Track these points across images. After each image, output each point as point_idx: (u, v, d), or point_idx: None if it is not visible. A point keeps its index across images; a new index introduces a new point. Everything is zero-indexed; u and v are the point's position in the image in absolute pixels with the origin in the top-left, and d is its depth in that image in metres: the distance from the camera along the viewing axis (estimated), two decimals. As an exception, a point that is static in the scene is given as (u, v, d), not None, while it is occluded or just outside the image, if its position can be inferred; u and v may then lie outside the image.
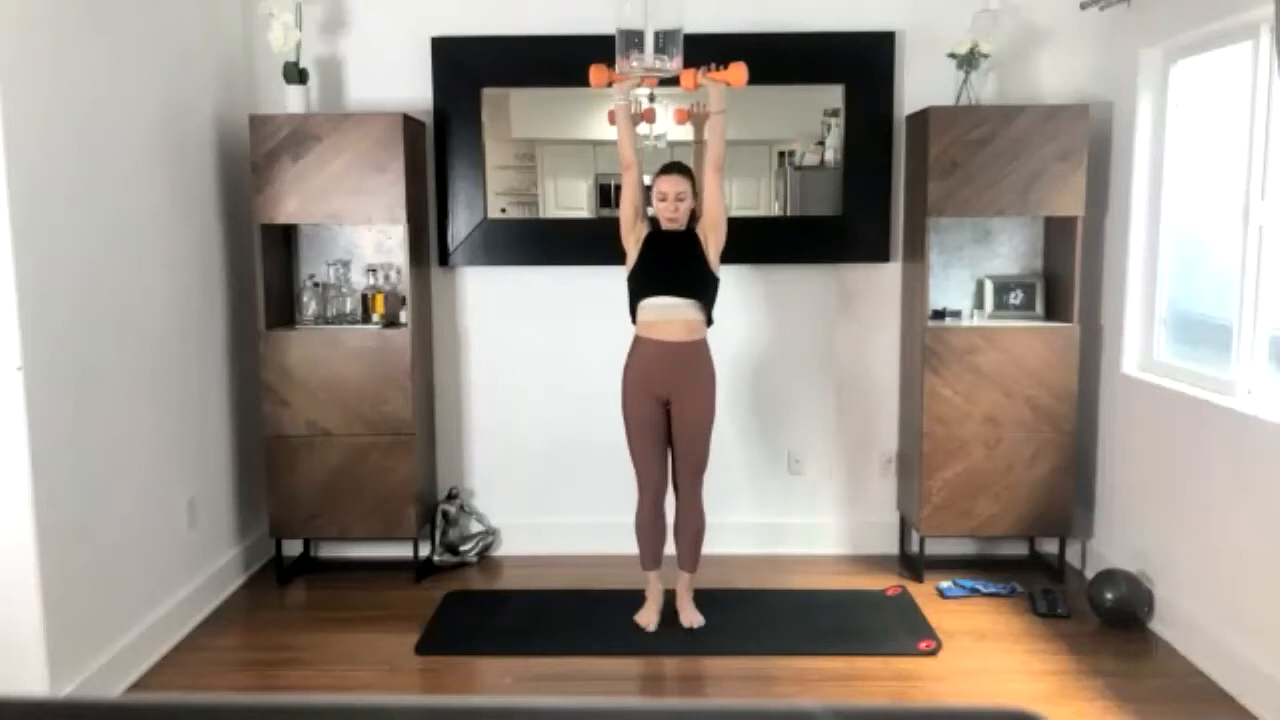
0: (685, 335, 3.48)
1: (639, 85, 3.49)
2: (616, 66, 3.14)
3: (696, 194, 3.54)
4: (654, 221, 3.58)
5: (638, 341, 3.54)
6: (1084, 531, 4.12)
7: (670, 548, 3.64)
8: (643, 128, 4.14)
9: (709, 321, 3.54)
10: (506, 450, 4.39)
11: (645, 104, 3.72)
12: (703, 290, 3.51)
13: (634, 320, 3.55)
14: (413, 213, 3.97)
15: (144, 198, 3.40)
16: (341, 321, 4.13)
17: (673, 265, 3.51)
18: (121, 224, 3.25)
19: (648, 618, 3.60)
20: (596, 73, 3.43)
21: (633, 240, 3.55)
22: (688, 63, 3.18)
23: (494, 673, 3.32)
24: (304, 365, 3.94)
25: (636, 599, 3.67)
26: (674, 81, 3.35)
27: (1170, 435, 3.51)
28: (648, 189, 3.60)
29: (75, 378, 2.97)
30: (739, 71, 3.43)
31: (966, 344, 3.93)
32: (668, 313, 3.47)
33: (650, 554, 3.63)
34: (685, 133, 4.17)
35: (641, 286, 3.52)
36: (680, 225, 3.53)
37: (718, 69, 3.45)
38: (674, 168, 3.54)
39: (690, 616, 3.60)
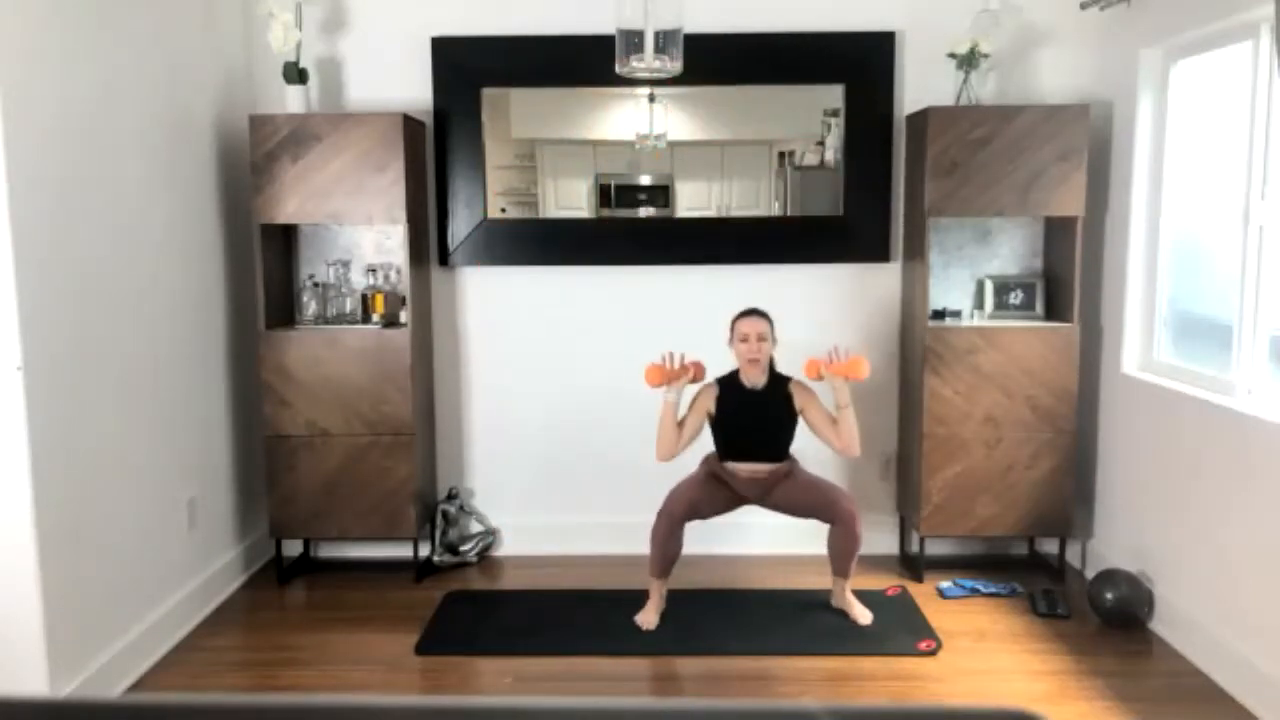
0: (769, 474, 3.55)
1: (692, 380, 3.52)
2: (616, 67, 3.12)
3: (775, 339, 3.56)
4: (721, 383, 3.57)
5: (726, 466, 3.57)
6: (1084, 531, 4.12)
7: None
8: (643, 127, 4.15)
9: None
10: (506, 450, 4.39)
11: (688, 371, 3.57)
12: (786, 448, 3.59)
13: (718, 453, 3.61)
14: (413, 213, 3.97)
15: (144, 197, 3.39)
16: (341, 321, 4.13)
17: (760, 430, 3.55)
18: (121, 224, 3.25)
19: (647, 618, 3.60)
20: (653, 373, 3.47)
21: (707, 414, 3.56)
22: (686, 62, 3.17)
23: (494, 673, 3.32)
24: (304, 365, 3.94)
25: (636, 599, 3.67)
26: (672, 81, 3.34)
27: (1170, 435, 3.51)
28: (634, 189, 3.59)
29: (75, 378, 2.97)
30: (859, 367, 3.44)
31: (966, 344, 3.93)
32: (754, 465, 3.55)
33: (659, 564, 3.61)
34: (686, 133, 4.18)
35: (728, 447, 3.57)
36: (762, 372, 3.53)
37: (839, 361, 3.45)
38: (754, 311, 3.56)
39: (858, 613, 3.63)
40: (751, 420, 3.55)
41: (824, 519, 3.60)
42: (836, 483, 4.37)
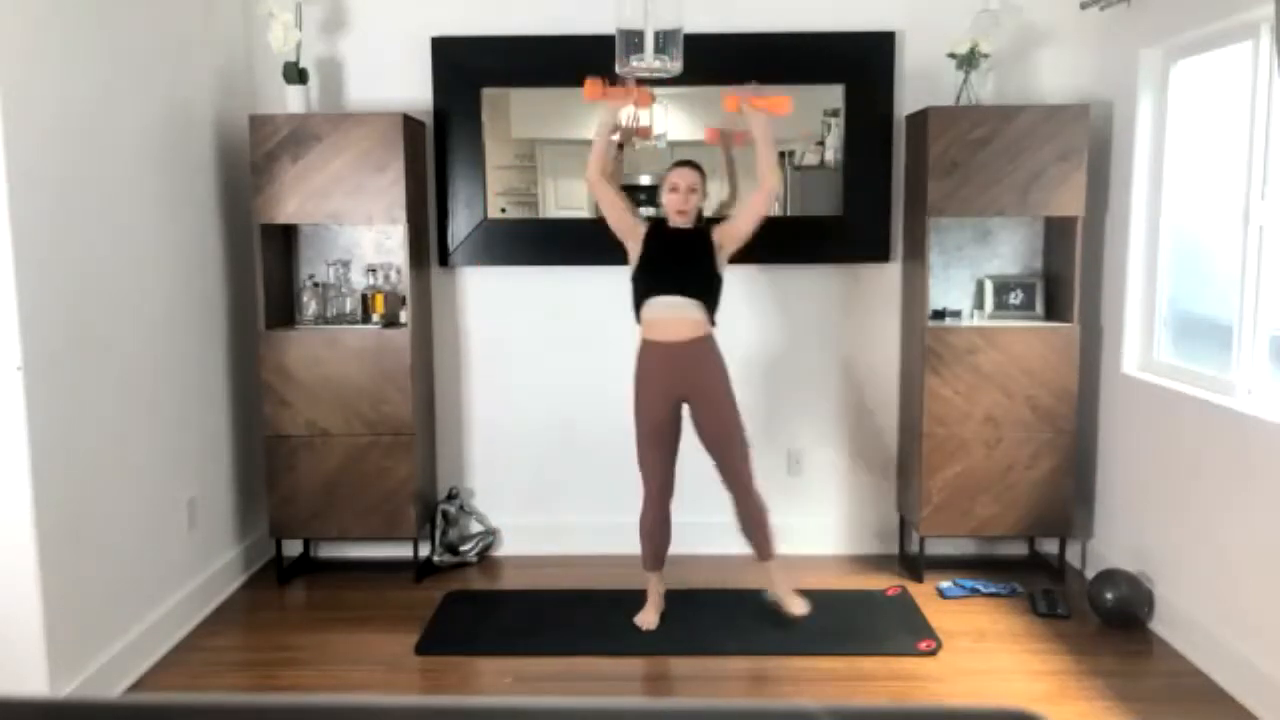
0: (690, 334, 3.46)
1: (635, 105, 3.46)
2: (616, 67, 3.13)
3: (706, 191, 3.55)
4: (653, 220, 3.57)
5: (644, 346, 3.53)
6: (1084, 531, 4.12)
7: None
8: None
9: (712, 322, 3.54)
10: (506, 450, 4.39)
11: (643, 122, 3.68)
12: (708, 291, 3.51)
13: (637, 319, 3.55)
14: (413, 213, 3.97)
15: (144, 197, 3.40)
16: (341, 321, 4.13)
17: (679, 265, 3.50)
18: (121, 224, 3.25)
19: (647, 618, 3.60)
20: (591, 86, 3.41)
21: (633, 242, 3.55)
22: (686, 62, 3.17)
23: (494, 673, 3.32)
24: (304, 365, 3.94)
25: (636, 599, 3.67)
26: (674, 83, 3.34)
27: (1170, 435, 3.51)
28: (634, 189, 3.59)
29: (75, 378, 2.97)
30: (784, 102, 3.41)
31: (966, 344, 3.93)
32: (672, 312, 3.46)
33: (652, 555, 3.63)
34: (686, 133, 4.18)
35: (646, 285, 3.51)
36: (689, 221, 3.53)
37: (757, 98, 3.42)
38: (687, 162, 3.56)
39: (795, 606, 3.60)
40: (670, 254, 3.50)
41: (719, 469, 3.54)
42: (837, 483, 4.39)
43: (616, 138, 3.54)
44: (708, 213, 3.71)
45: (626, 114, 3.54)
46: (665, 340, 3.47)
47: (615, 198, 3.54)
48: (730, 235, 3.50)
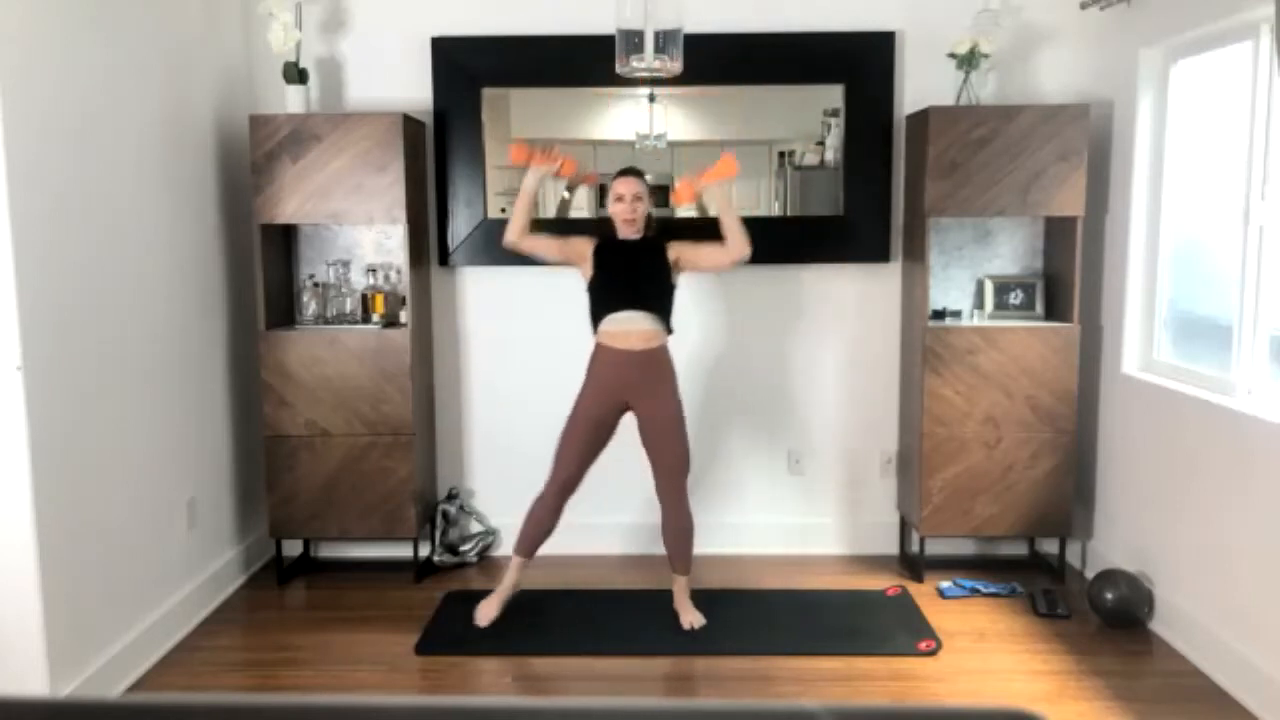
0: (644, 344, 3.49)
1: (557, 175, 3.57)
2: (616, 67, 3.14)
3: (652, 199, 3.59)
4: (601, 237, 3.58)
5: (599, 349, 3.55)
6: (1084, 531, 4.13)
7: (654, 548, 3.64)
8: (643, 127, 4.15)
9: (669, 331, 3.55)
10: (507, 450, 4.39)
11: (565, 195, 3.86)
12: (663, 303, 3.53)
13: (594, 331, 3.56)
14: (413, 213, 3.97)
15: (144, 198, 3.40)
16: (341, 321, 4.13)
17: (635, 280, 3.52)
18: (121, 224, 3.25)
19: (488, 610, 3.60)
20: (517, 150, 3.54)
21: (585, 265, 3.55)
22: (686, 62, 3.17)
23: (494, 673, 3.32)
24: (304, 365, 3.94)
25: (637, 599, 3.68)
26: (672, 81, 3.35)
27: (1170, 435, 3.51)
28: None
29: (75, 378, 2.97)
30: (728, 164, 3.49)
31: (966, 344, 3.93)
32: (630, 325, 3.49)
33: (528, 541, 3.62)
34: (686, 132, 4.18)
35: (603, 301, 3.52)
36: (637, 230, 3.53)
37: (704, 173, 3.50)
38: (631, 170, 3.57)
39: (690, 617, 3.60)
40: (624, 266, 3.52)
41: (656, 474, 3.56)
42: (837, 483, 4.39)
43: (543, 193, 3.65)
44: (694, 214, 3.72)
45: (545, 176, 3.59)
46: (622, 348, 3.49)
47: (547, 242, 3.58)
48: (688, 261, 3.55)
